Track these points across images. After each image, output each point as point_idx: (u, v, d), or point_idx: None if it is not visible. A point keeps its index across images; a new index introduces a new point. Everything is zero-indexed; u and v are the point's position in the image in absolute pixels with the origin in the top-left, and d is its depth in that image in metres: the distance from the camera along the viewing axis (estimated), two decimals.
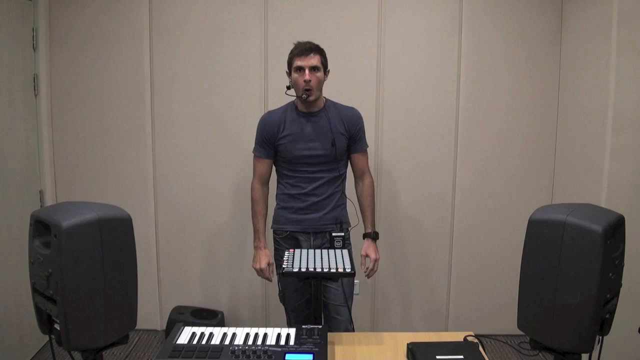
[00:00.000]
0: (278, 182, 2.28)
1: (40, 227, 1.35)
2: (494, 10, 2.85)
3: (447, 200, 2.99)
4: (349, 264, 1.68)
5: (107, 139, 2.94)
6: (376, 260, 2.18)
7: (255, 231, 2.22)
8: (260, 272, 2.18)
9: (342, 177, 2.23)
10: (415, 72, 2.90)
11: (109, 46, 2.88)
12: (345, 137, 2.18)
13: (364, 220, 2.28)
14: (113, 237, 1.36)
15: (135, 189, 2.98)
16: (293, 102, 2.19)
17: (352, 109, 2.24)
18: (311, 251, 1.80)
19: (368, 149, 2.30)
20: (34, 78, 2.79)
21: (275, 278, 2.27)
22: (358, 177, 2.29)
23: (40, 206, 2.81)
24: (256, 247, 2.21)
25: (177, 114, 2.94)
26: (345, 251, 1.81)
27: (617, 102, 2.34)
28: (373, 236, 2.23)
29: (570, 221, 1.31)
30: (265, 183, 2.26)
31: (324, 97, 2.21)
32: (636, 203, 2.28)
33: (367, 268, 2.19)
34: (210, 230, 3.03)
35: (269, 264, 2.19)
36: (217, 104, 2.92)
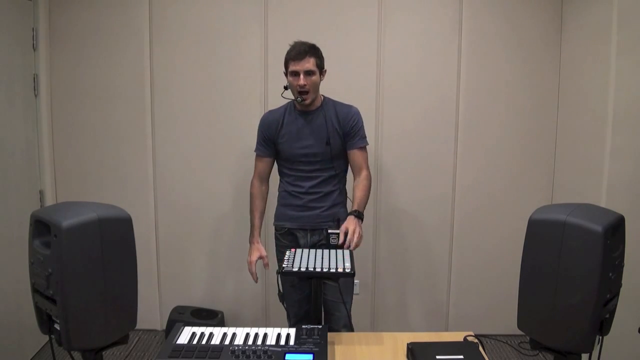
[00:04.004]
0: (280, 179, 2.30)
1: (40, 227, 1.35)
2: (494, 11, 2.85)
3: (447, 200, 2.99)
4: (349, 264, 1.68)
5: (107, 139, 2.94)
6: (355, 232, 1.94)
7: (251, 226, 2.25)
8: (249, 265, 2.18)
9: (340, 176, 2.24)
10: (415, 72, 2.90)
11: (109, 46, 2.87)
12: (339, 135, 2.18)
13: (352, 203, 2.14)
14: (113, 237, 1.36)
15: (135, 189, 2.97)
16: (292, 101, 2.19)
17: (349, 106, 2.23)
18: (312, 251, 1.80)
19: (368, 148, 2.26)
20: (34, 78, 2.79)
21: (274, 278, 2.27)
22: (356, 174, 2.25)
23: (40, 206, 2.81)
24: (250, 242, 2.23)
25: (177, 114, 2.94)
26: (347, 251, 1.80)
27: (617, 102, 2.33)
28: (356, 214, 2.05)
29: (570, 221, 1.31)
30: (264, 181, 2.29)
31: (322, 96, 2.22)
32: (636, 203, 2.27)
33: (347, 240, 1.93)
34: (210, 230, 3.03)
35: (261, 257, 2.16)
36: (217, 104, 2.92)
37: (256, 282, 2.21)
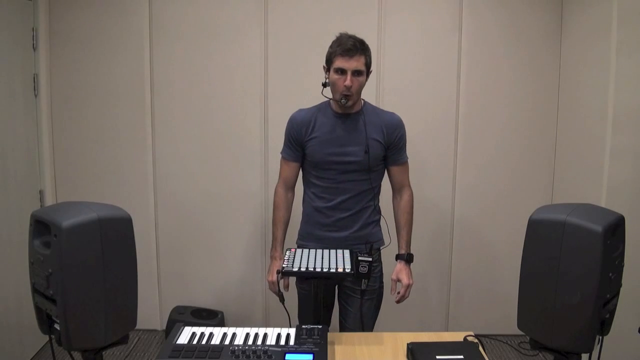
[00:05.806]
0: (304, 192, 2.07)
1: (40, 227, 1.35)
2: (494, 10, 2.85)
3: (447, 200, 2.99)
4: (349, 264, 1.67)
5: (107, 139, 2.94)
6: (409, 286, 1.94)
7: (273, 239, 2.02)
8: (271, 285, 1.95)
9: (375, 192, 1.99)
10: (415, 72, 2.90)
11: (109, 46, 2.87)
12: (381, 144, 1.94)
13: (398, 239, 2.03)
14: (113, 237, 1.36)
15: (135, 189, 2.97)
16: (328, 101, 1.98)
17: (393, 114, 2.02)
18: (312, 251, 1.78)
19: None
20: (34, 78, 2.79)
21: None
22: (396, 191, 2.05)
23: (40, 206, 2.81)
24: (272, 257, 2.01)
25: (177, 114, 2.94)
26: (347, 251, 1.77)
27: (617, 102, 2.33)
28: (407, 258, 1.98)
29: (570, 221, 1.31)
30: (290, 188, 2.05)
31: (362, 99, 1.99)
32: (636, 203, 2.27)
33: (398, 293, 1.95)
34: (210, 230, 3.03)
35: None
36: (217, 104, 2.92)
37: (281, 301, 1.92)
